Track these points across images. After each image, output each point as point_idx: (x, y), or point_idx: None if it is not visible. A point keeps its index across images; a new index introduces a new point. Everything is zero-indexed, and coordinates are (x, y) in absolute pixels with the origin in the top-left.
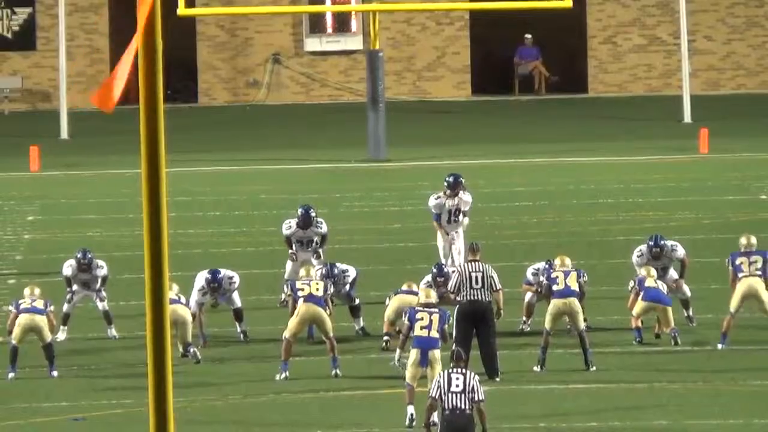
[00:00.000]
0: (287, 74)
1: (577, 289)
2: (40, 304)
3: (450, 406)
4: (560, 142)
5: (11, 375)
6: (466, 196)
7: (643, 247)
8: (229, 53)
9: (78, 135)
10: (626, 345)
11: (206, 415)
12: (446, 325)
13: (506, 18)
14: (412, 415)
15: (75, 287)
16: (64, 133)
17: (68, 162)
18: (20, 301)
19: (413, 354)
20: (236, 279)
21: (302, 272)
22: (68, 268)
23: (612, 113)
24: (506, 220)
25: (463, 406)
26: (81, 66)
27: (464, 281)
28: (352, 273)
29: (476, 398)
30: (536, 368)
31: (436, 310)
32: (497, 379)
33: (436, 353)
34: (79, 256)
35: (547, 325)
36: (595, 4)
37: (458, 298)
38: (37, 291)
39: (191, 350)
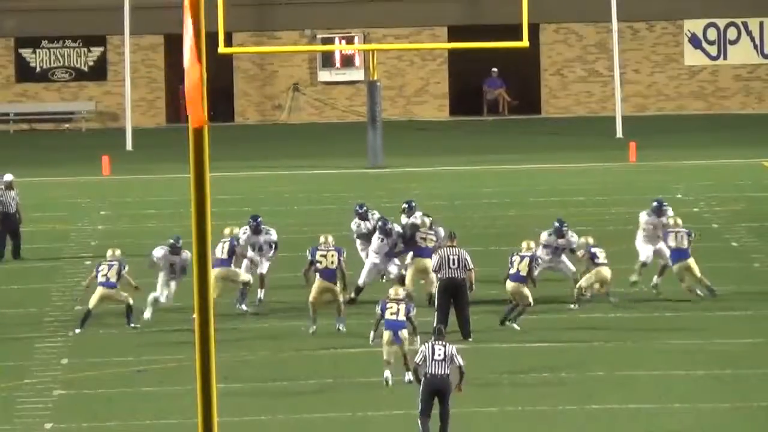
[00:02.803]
0: (304, 100)
1: (525, 274)
2: (113, 274)
3: (432, 371)
4: (520, 153)
5: (77, 331)
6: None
7: (551, 230)
8: (259, 83)
9: (140, 147)
10: (570, 312)
11: (242, 369)
12: (412, 314)
13: (477, 55)
14: (387, 378)
15: (162, 273)
16: (129, 146)
17: (132, 168)
18: (99, 268)
19: (386, 335)
20: (274, 235)
21: (321, 239)
22: (160, 250)
23: (560, 131)
24: (477, 214)
25: (442, 372)
26: (142, 93)
27: (444, 262)
28: (397, 228)
29: (458, 363)
30: (510, 324)
31: (404, 302)
32: (470, 340)
33: (404, 332)
34: (171, 241)
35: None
36: (547, 44)
37: (439, 276)
38: (117, 252)
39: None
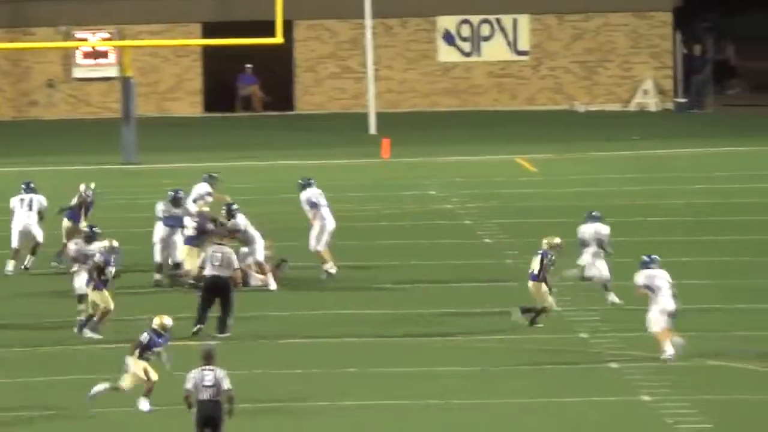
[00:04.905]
0: (59, 96)
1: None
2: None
3: (203, 397)
4: (272, 150)
5: None
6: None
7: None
8: (13, 78)
9: None
10: (328, 307)
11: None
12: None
13: (231, 52)
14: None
15: None
16: None
17: None
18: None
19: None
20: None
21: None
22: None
23: (314, 127)
24: None
25: (212, 397)
26: None
27: (208, 260)
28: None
29: (224, 388)
30: None
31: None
32: (225, 335)
33: (129, 361)
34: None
35: None
36: (301, 41)
37: (204, 273)
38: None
39: None
